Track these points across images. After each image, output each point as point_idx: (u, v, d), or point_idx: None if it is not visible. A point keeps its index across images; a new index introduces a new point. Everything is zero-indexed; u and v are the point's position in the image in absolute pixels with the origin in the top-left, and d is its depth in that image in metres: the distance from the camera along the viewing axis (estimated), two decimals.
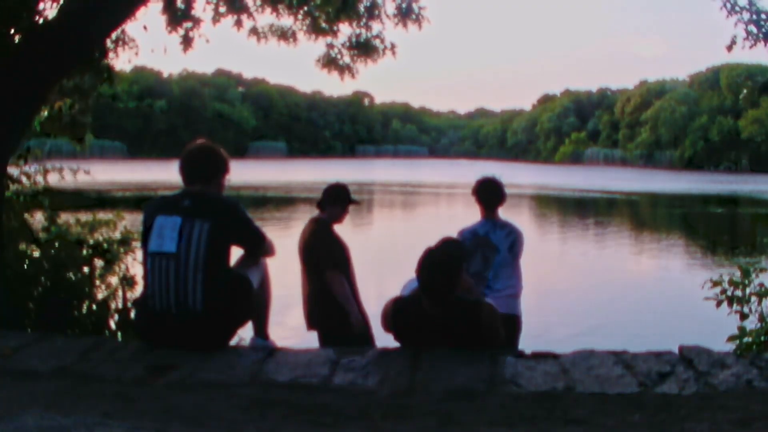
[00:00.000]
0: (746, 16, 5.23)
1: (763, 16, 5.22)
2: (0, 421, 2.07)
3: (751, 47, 5.30)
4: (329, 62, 6.84)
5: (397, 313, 3.05)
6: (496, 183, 4.37)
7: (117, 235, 5.12)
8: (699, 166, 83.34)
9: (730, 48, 5.44)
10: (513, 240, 4.23)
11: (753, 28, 5.21)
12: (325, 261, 4.32)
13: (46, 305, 4.50)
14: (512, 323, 4.12)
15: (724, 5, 5.25)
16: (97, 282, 4.88)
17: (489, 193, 4.33)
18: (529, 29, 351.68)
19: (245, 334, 3.50)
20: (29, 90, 4.54)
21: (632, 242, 18.85)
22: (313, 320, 4.48)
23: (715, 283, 4.16)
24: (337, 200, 4.50)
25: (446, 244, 3.04)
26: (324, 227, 4.43)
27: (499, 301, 3.91)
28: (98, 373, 2.66)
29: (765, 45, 5.25)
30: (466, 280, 3.24)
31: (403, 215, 26.52)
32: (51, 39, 4.54)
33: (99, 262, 4.90)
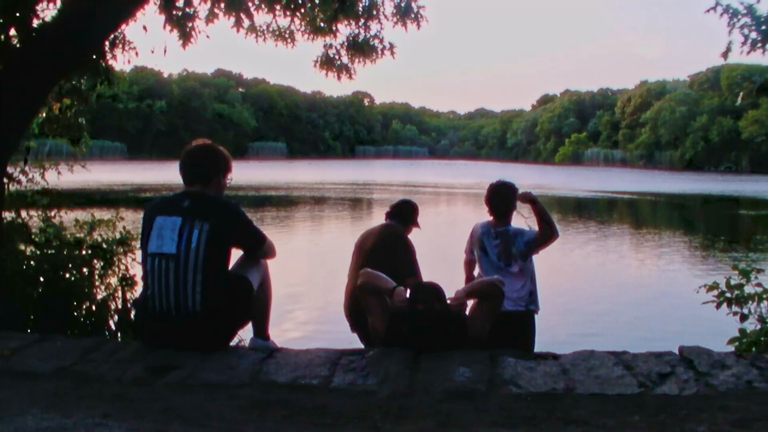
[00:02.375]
0: (744, 21, 5.21)
1: (762, 19, 5.20)
2: (0, 421, 2.06)
3: (748, 53, 5.29)
4: (327, 63, 6.82)
5: (392, 319, 3.13)
6: (506, 189, 4.33)
7: (116, 235, 5.11)
8: (699, 166, 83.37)
9: (725, 56, 5.44)
10: (500, 250, 4.22)
11: (753, 35, 5.18)
12: (406, 268, 4.33)
13: (46, 306, 4.49)
14: (516, 319, 4.16)
15: (725, 11, 5.23)
16: (97, 282, 4.86)
17: (496, 200, 4.33)
18: (529, 29, 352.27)
19: (245, 334, 3.50)
20: (29, 90, 4.54)
21: (632, 242, 18.84)
22: (358, 321, 4.46)
23: (711, 287, 4.15)
24: (409, 219, 4.58)
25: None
26: (402, 236, 4.46)
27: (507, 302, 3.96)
28: (98, 373, 2.66)
29: (763, 52, 5.24)
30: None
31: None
32: (50, 40, 4.55)
33: (98, 263, 4.90)
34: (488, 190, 4.36)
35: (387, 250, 4.37)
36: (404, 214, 4.60)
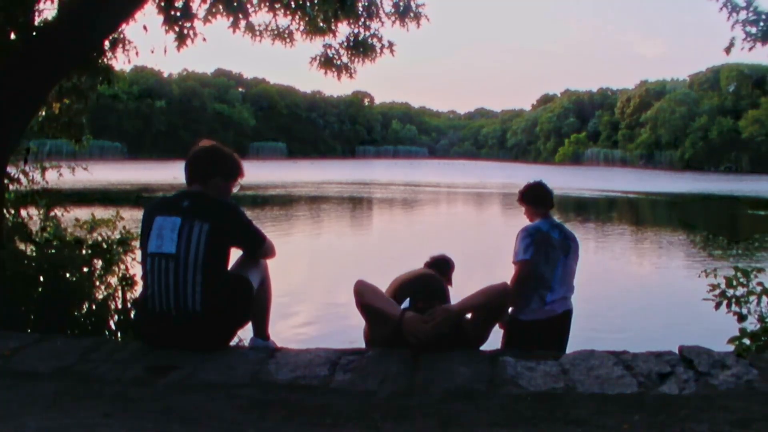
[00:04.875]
0: (744, 15, 5.22)
1: (763, 16, 5.21)
2: (0, 421, 2.07)
3: (750, 49, 5.30)
4: (326, 62, 6.81)
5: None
6: (546, 187, 4.50)
7: (116, 235, 5.11)
8: (699, 166, 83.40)
9: (728, 51, 5.44)
10: (569, 245, 4.26)
11: (751, 29, 5.20)
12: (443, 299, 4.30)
13: (46, 306, 4.49)
14: (566, 319, 4.19)
15: (724, 5, 5.24)
16: (97, 282, 4.87)
17: (542, 197, 4.45)
18: (529, 29, 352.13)
19: (245, 334, 3.50)
20: (29, 90, 4.54)
21: (632, 242, 18.84)
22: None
23: (714, 286, 4.15)
24: (445, 273, 4.54)
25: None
26: (441, 280, 4.45)
27: (558, 304, 4.05)
28: (98, 373, 2.65)
29: (763, 45, 5.24)
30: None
31: (404, 214, 26.55)
32: (50, 40, 4.55)
33: (98, 263, 4.90)
34: (527, 188, 4.49)
35: (427, 282, 4.23)
36: (442, 268, 4.58)
